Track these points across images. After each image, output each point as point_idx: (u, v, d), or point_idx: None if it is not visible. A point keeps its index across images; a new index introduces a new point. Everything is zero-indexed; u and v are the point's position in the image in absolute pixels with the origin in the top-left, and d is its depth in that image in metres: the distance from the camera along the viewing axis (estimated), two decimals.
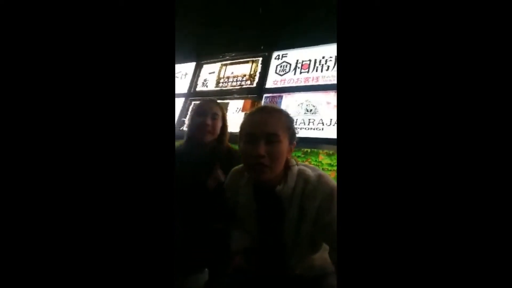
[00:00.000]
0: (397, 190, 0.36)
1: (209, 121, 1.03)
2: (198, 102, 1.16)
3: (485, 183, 0.33)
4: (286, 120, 0.64)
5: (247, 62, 1.75)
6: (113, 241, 0.39)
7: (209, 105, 1.06)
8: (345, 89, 0.39)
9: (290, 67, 1.58)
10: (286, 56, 1.62)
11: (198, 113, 1.07)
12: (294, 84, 1.51)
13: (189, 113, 1.30)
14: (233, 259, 0.83)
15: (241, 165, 0.81)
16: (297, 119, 1.46)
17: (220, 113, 1.08)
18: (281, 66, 1.61)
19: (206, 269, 1.01)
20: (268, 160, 0.60)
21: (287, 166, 0.65)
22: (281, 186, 0.64)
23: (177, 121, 1.75)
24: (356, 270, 0.36)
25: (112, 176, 0.40)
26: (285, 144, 0.62)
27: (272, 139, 0.60)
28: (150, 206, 0.41)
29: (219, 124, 1.09)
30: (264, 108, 0.70)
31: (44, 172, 0.38)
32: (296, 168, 0.65)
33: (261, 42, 1.70)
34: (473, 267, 0.33)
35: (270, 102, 1.52)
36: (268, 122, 0.62)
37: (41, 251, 0.37)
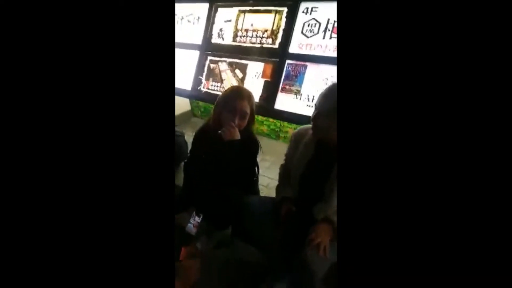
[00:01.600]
0: (397, 186, 0.37)
1: (237, 121, 1.04)
2: (227, 93, 1.12)
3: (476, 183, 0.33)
4: None
5: (269, 11, 1.50)
6: (111, 238, 0.39)
7: (240, 103, 1.04)
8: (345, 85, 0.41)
9: (319, 27, 1.36)
10: (316, 11, 1.37)
11: (227, 109, 1.06)
12: (321, 52, 1.34)
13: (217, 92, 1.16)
14: (281, 207, 1.02)
15: (304, 126, 1.02)
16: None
17: (249, 111, 1.07)
18: (308, 25, 1.38)
19: (230, 226, 1.26)
20: None
21: None
22: None
23: (193, 80, 1.69)
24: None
25: (110, 169, 0.40)
26: None
27: None
28: (148, 202, 0.41)
29: (247, 120, 1.09)
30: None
31: (43, 167, 0.38)
32: None
33: None
34: (475, 268, 0.33)
35: (292, 71, 1.41)
36: None
37: (43, 249, 0.37)
